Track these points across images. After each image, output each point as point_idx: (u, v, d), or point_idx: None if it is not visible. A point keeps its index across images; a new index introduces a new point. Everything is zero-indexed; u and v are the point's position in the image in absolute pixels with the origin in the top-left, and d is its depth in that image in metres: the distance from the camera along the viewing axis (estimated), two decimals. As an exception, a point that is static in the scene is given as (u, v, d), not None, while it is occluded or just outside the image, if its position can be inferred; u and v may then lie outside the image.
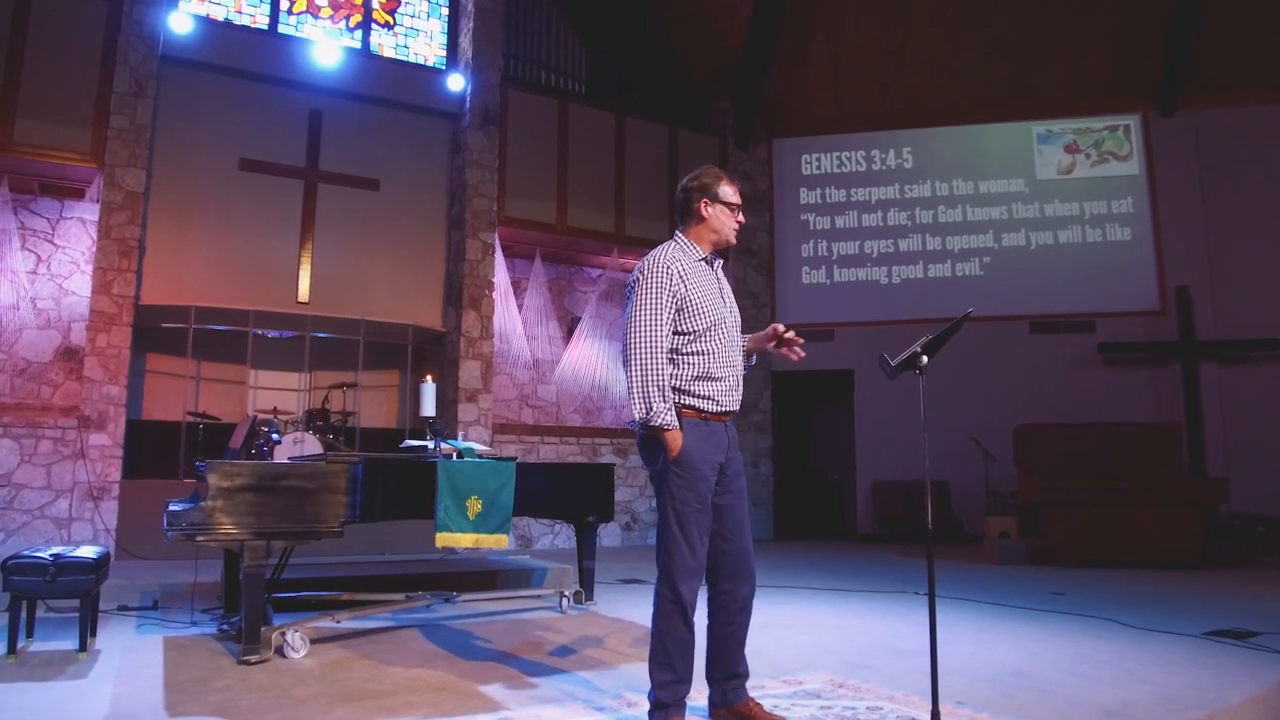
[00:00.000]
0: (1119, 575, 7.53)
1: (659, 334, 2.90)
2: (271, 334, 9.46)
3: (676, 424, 2.89)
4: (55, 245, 8.88)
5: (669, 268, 2.96)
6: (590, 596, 5.77)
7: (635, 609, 5.55)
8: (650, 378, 2.88)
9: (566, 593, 5.62)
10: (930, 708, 2.83)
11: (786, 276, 12.10)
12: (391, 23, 10.34)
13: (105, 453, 7.94)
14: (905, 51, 11.64)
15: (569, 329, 11.38)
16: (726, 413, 3.02)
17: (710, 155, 11.88)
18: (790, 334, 3.08)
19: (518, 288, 11.06)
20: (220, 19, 9.29)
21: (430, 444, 4.90)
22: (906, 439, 11.07)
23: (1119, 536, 8.27)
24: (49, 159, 8.16)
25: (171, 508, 3.90)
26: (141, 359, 9.01)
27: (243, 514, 3.88)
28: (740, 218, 3.14)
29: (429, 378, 5.18)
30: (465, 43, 10.45)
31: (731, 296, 3.18)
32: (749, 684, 3.10)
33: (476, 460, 4.81)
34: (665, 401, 2.88)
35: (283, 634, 4.03)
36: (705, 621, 3.05)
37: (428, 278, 10.21)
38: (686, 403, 2.95)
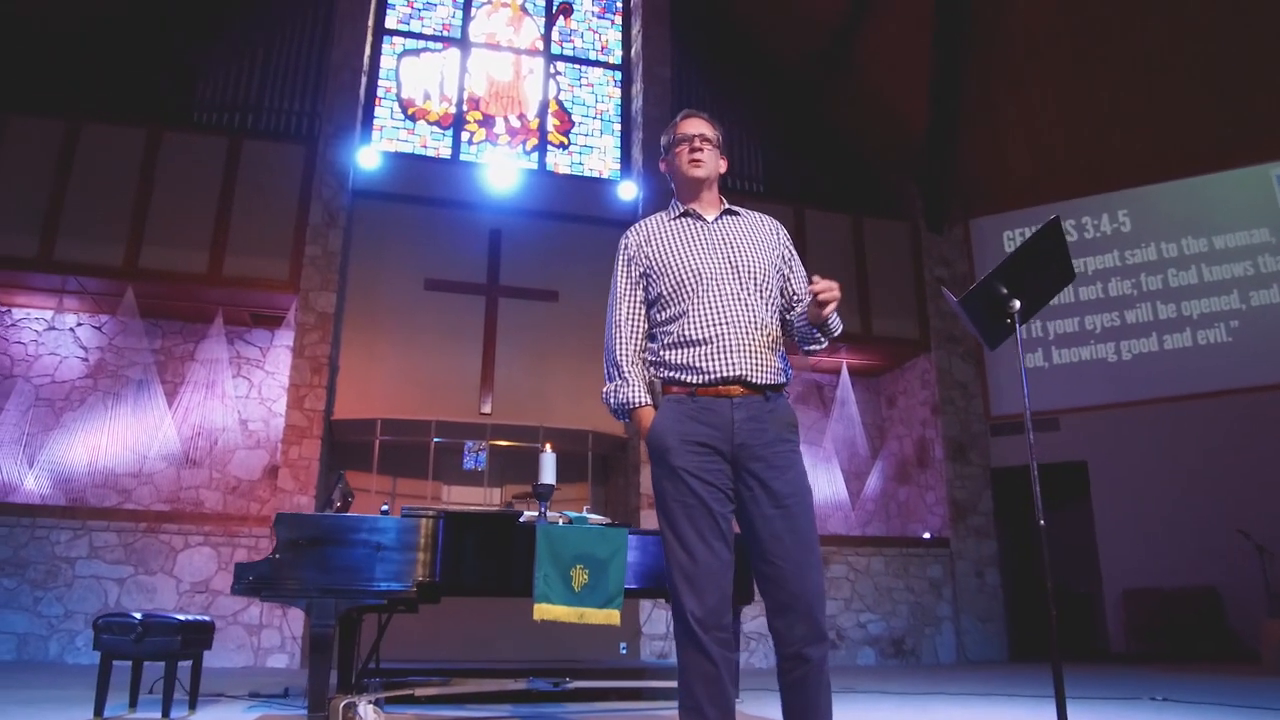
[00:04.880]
0: None
1: (619, 309, 2.58)
2: (470, 465, 9.61)
3: (639, 400, 2.49)
4: (265, 371, 9.62)
5: (627, 236, 2.65)
6: (737, 694, 5.07)
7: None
8: (609, 357, 2.57)
9: (707, 687, 4.97)
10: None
11: (998, 362, 10.96)
12: (566, 143, 10.73)
13: (295, 561, 8.20)
14: (1103, 105, 10.57)
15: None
16: (721, 382, 2.39)
17: (900, 241, 11.24)
18: (819, 285, 2.37)
19: (702, 391, 10.73)
20: (406, 153, 9.99)
21: (537, 513, 4.56)
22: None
23: None
24: (253, 288, 8.91)
25: (239, 562, 3.77)
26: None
27: (309, 568, 3.67)
28: (696, 144, 2.58)
29: (547, 446, 4.90)
30: (636, 153, 10.64)
31: (744, 248, 2.52)
32: None
33: (583, 526, 4.41)
34: (624, 380, 2.52)
35: (354, 705, 3.73)
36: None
37: (607, 384, 10.10)
38: (667, 376, 2.47)
